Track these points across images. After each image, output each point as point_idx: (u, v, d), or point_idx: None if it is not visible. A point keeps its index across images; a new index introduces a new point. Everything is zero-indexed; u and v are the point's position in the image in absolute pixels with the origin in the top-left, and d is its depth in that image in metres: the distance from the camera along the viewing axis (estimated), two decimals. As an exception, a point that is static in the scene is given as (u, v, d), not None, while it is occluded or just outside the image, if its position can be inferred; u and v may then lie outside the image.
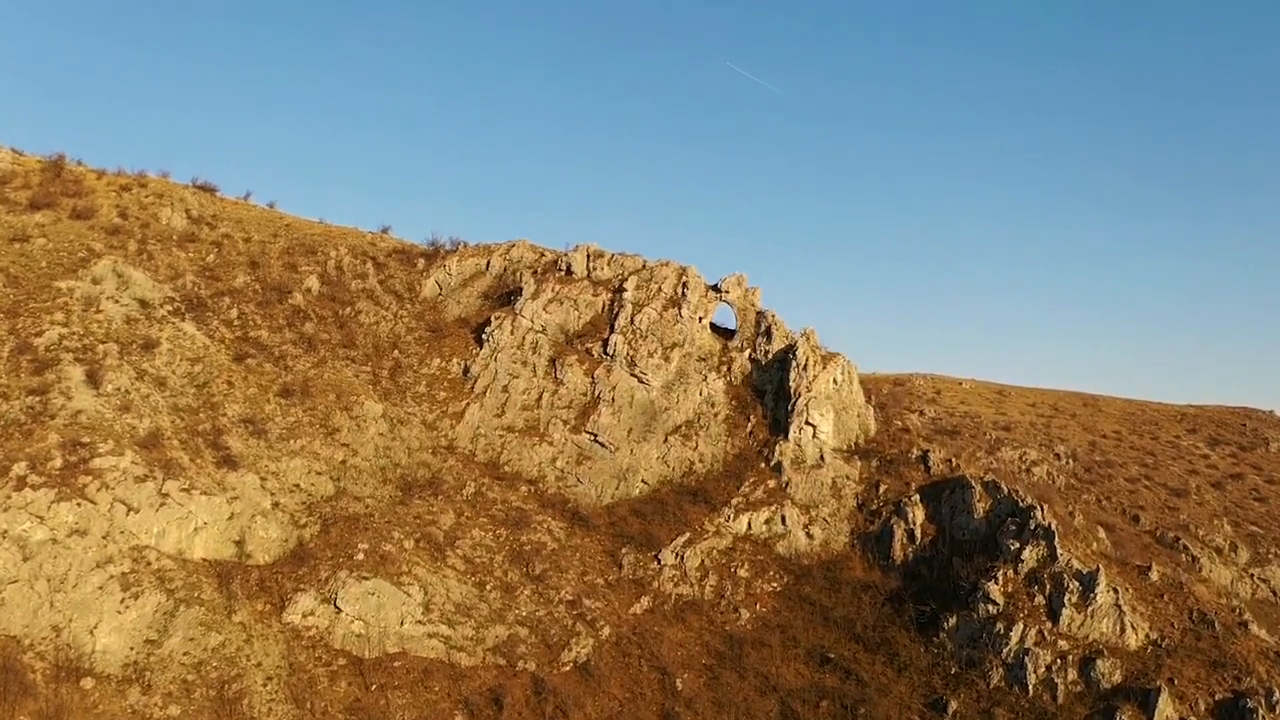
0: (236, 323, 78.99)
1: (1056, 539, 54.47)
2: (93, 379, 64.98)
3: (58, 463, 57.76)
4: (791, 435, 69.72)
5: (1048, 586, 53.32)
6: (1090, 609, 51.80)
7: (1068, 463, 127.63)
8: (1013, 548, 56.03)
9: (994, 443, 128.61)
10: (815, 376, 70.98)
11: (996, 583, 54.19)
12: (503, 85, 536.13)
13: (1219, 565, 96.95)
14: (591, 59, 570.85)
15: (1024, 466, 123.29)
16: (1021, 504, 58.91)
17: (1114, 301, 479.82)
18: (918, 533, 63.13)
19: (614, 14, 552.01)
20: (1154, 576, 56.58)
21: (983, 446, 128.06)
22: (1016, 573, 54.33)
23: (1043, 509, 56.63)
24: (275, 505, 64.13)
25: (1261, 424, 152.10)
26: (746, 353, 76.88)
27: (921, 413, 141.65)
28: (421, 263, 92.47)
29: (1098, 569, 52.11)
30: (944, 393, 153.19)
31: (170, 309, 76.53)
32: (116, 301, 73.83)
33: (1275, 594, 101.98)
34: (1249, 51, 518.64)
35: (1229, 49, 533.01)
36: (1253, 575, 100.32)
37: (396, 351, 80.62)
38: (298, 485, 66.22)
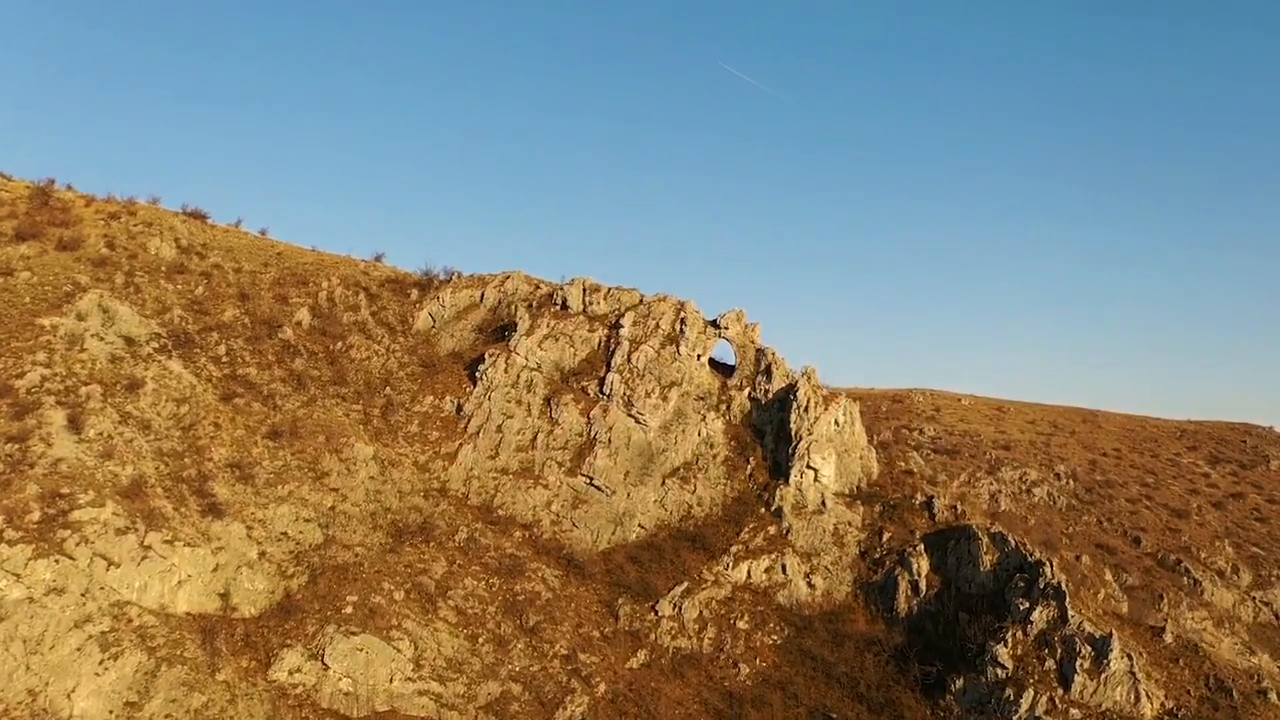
0: (225, 360, 77.04)
1: (1067, 599, 52.58)
2: (75, 424, 63.01)
3: (35, 516, 55.77)
4: (792, 479, 67.86)
5: (1059, 650, 51.44)
6: (1104, 675, 49.92)
7: (1068, 483, 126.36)
8: (1022, 607, 54.15)
9: (994, 462, 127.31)
10: (817, 418, 69.11)
11: (1005, 645, 52.29)
12: (500, 89, 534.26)
13: (1220, 588, 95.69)
14: (587, 59, 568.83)
15: (1024, 487, 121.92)
16: (1030, 558, 57.00)
17: (1114, 310, 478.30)
18: (922, 584, 61.22)
19: (609, 16, 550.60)
20: (1168, 639, 54.71)
21: (983, 467, 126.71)
22: (1026, 634, 52.42)
23: (1051, 565, 54.73)
24: (262, 555, 62.16)
25: (1262, 440, 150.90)
26: (746, 391, 75.02)
27: (921, 431, 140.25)
28: (415, 293, 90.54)
29: (1111, 633, 50.22)
30: (943, 410, 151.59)
31: (156, 346, 74.51)
32: (101, 339, 71.87)
33: (1278, 617, 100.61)
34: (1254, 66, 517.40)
35: (1235, 59, 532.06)
36: (1254, 598, 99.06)
37: (388, 388, 78.64)
38: (285, 533, 64.22)
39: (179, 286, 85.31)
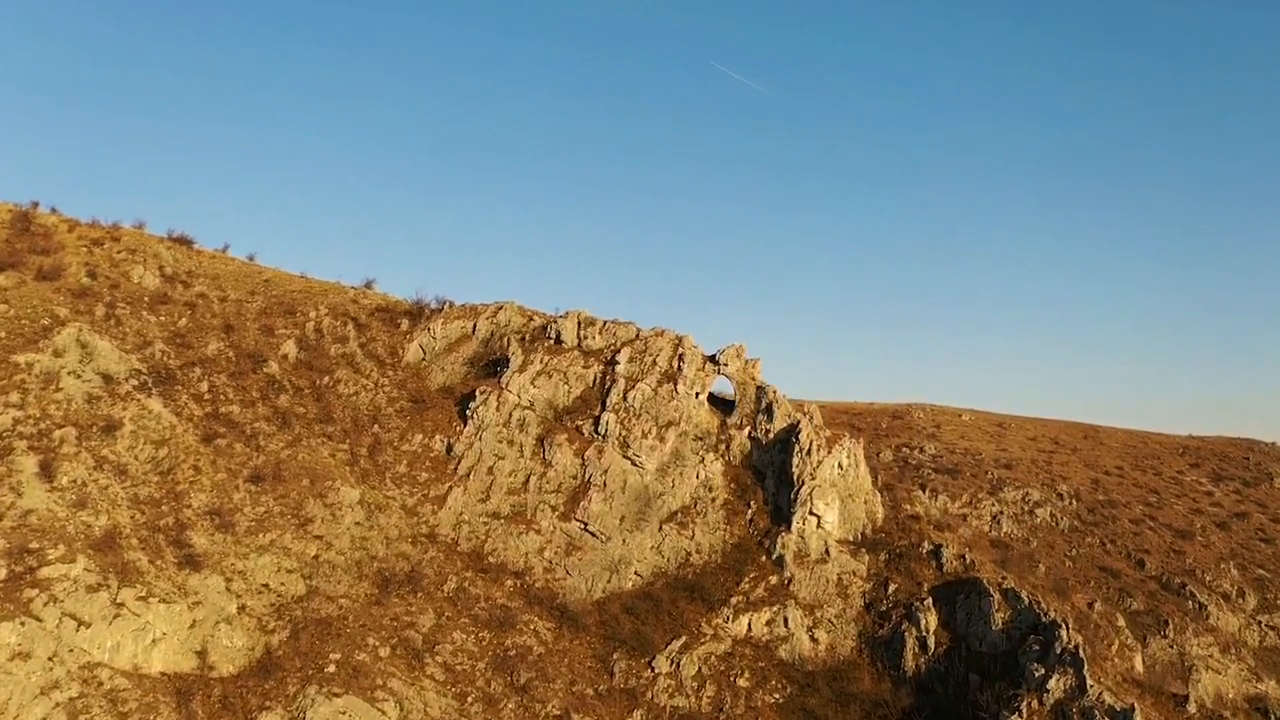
0: (207, 397, 74.29)
1: (1085, 666, 49.78)
2: (47, 470, 60.41)
3: (1, 574, 53.07)
4: (794, 526, 65.16)
5: (1077, 723, 48.60)
6: (1125, 752, 47.14)
7: (1071, 503, 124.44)
8: (1037, 674, 51.46)
9: (996, 482, 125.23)
10: (820, 462, 66.41)
11: (1020, 715, 49.46)
12: (494, 94, 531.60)
13: (1226, 612, 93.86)
14: (579, 57, 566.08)
15: (1027, 508, 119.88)
16: (1045, 618, 54.31)
17: (1113, 312, 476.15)
18: (931, 641, 58.52)
19: (601, 18, 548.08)
20: (1191, 709, 52.06)
21: (985, 487, 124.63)
22: (1042, 703, 49.74)
23: (1067, 626, 52.02)
24: (241, 609, 59.43)
25: (1265, 457, 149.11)
26: (746, 431, 72.30)
27: (922, 449, 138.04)
28: (405, 323, 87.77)
29: (1133, 706, 47.49)
30: (944, 426, 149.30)
31: (136, 384, 71.79)
32: (79, 376, 69.17)
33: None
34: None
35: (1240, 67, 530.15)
36: (1260, 622, 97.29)
37: (376, 426, 75.88)
38: (266, 585, 61.48)
39: (162, 318, 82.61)
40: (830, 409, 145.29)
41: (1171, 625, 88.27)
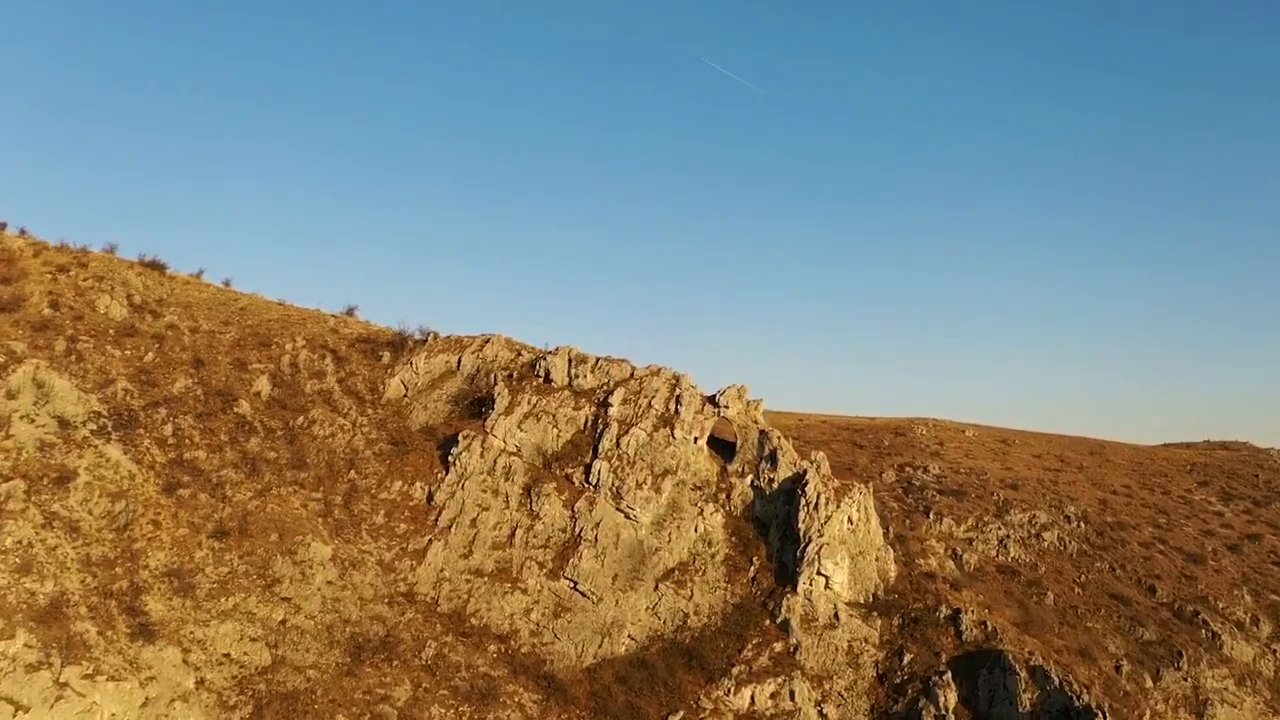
0: (171, 441, 69.38)
1: (1124, 763, 44.89)
2: (-11, 531, 55.22)
3: (-70, 655, 47.96)
4: (801, 587, 60.35)
5: (1116, 829, 43.79)
6: None
7: (1079, 525, 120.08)
8: (1071, 769, 46.50)
9: (1002, 504, 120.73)
10: (828, 517, 61.51)
11: (1053, 817, 44.60)
12: (485, 100, 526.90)
13: (1240, 642, 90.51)
14: (567, 58, 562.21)
15: (1034, 531, 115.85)
16: (1078, 701, 49.49)
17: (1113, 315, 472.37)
18: (950, 720, 53.52)
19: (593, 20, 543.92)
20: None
21: (990, 509, 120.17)
22: (1077, 806, 44.75)
23: (1104, 714, 46.92)
24: (200, 683, 54.58)
25: (1275, 474, 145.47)
26: (748, 479, 67.43)
27: (926, 469, 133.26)
28: (387, 356, 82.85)
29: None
30: (947, 444, 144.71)
31: (94, 428, 66.88)
32: (32, 421, 64.31)
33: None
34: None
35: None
36: (1275, 651, 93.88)
37: (353, 471, 71.00)
38: (228, 655, 56.64)
39: (128, 352, 77.70)
40: (831, 424, 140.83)
41: (1185, 657, 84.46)
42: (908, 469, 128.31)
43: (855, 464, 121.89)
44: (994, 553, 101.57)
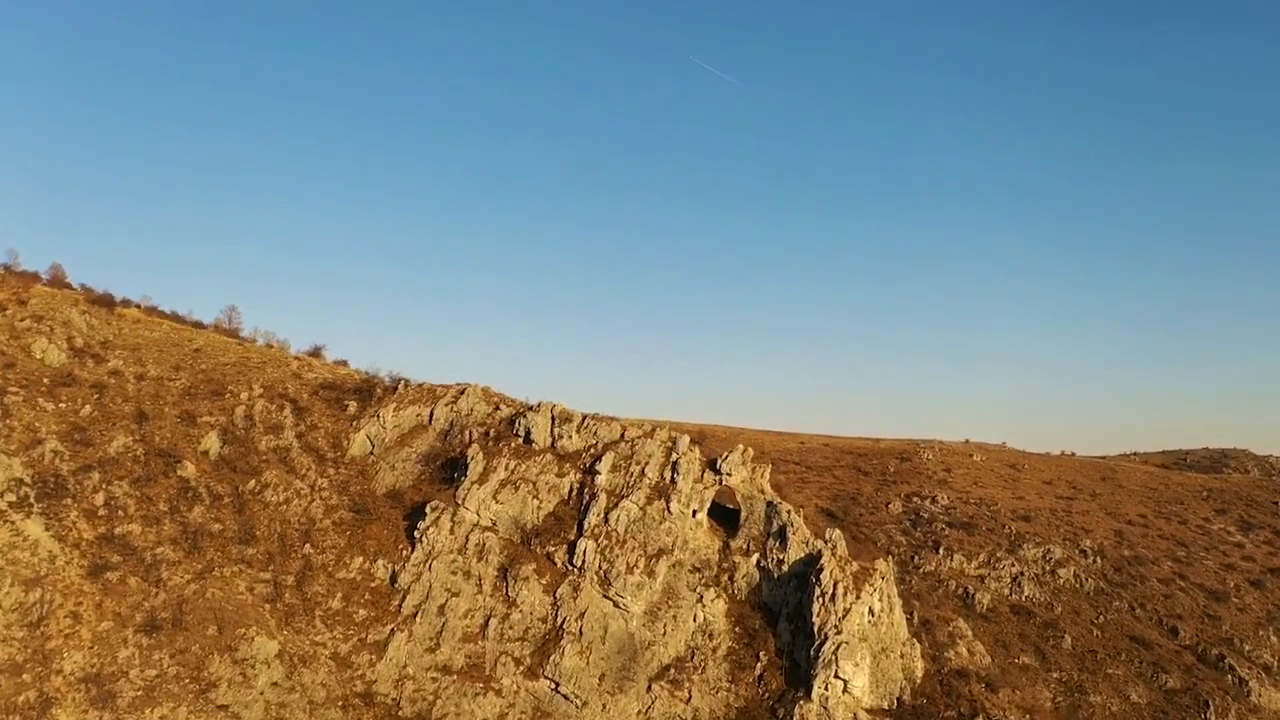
0: (102, 513, 61.55)
1: None
2: (-128, 637, 47.27)
3: None
4: (816, 692, 52.52)
5: None
6: None
7: (1095, 560, 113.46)
8: None
9: (1015, 538, 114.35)
10: (847, 610, 53.52)
11: None
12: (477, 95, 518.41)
13: (1269, 688, 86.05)
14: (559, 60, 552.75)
15: (1049, 567, 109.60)
16: None
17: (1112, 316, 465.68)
18: None
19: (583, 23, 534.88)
20: None
21: (1003, 544, 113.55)
22: None
23: None
24: (114, 818, 46.26)
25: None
26: (754, 558, 59.48)
27: (934, 499, 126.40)
28: (353, 405, 74.81)
29: None
30: (954, 470, 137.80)
31: (14, 499, 59.32)
32: (-61, 493, 56.15)
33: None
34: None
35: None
36: None
37: (308, 545, 63.08)
38: (150, 781, 48.40)
39: (62, 405, 69.78)
40: (834, 447, 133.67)
41: (1212, 707, 78.79)
42: (915, 499, 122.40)
43: (860, 493, 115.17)
44: (1007, 591, 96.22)
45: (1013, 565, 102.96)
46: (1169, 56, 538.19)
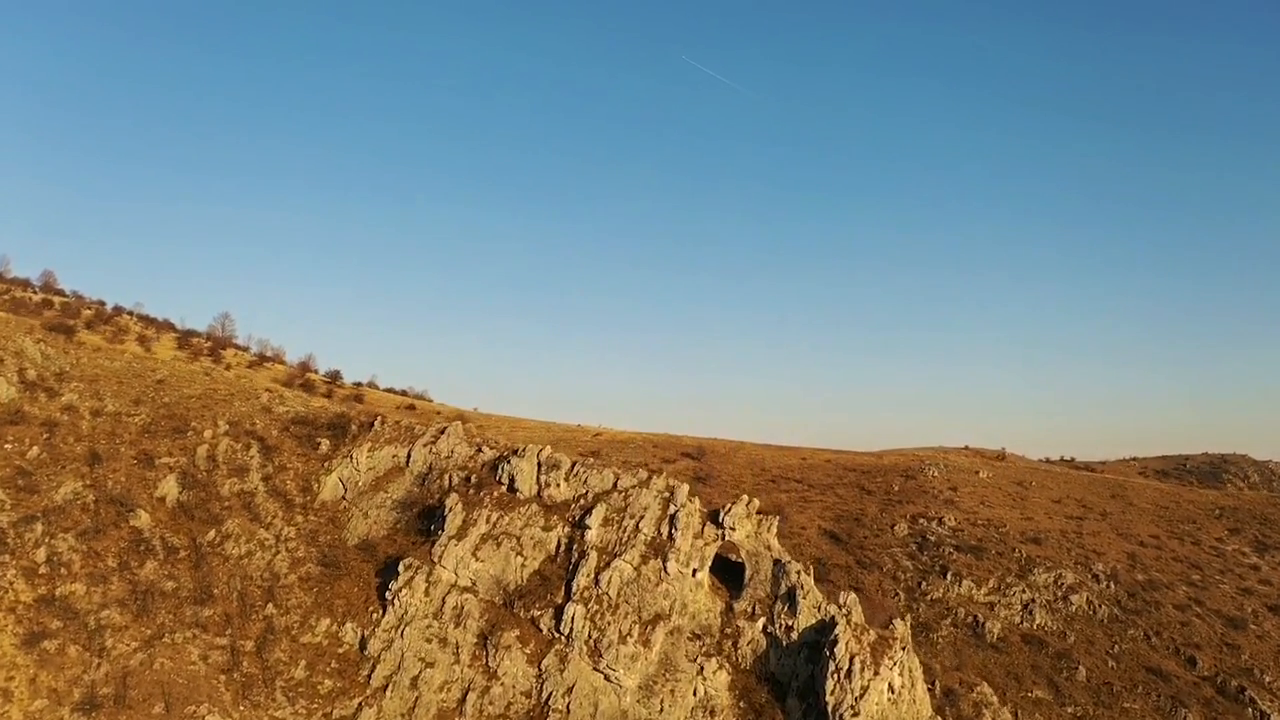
0: (43, 570, 56.05)
1: None
2: None
3: None
4: (830, 781, 46.44)
5: None
6: None
7: (1108, 585, 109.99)
8: None
9: (1025, 562, 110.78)
10: (865, 687, 48.02)
11: None
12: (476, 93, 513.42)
13: None
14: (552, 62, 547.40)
15: (1061, 593, 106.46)
16: None
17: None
18: None
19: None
20: None
21: (1013, 569, 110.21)
22: None
23: None
24: None
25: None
26: (760, 623, 53.92)
27: (941, 521, 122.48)
28: (325, 444, 69.35)
29: None
30: (961, 489, 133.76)
31: (-56, 557, 53.35)
32: None
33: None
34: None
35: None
36: None
37: (271, 605, 57.50)
38: None
39: (7, 446, 64.38)
40: (836, 464, 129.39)
41: None
42: (921, 520, 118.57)
43: (864, 513, 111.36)
44: (1018, 619, 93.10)
45: (1023, 591, 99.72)
46: (1169, 59, 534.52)
